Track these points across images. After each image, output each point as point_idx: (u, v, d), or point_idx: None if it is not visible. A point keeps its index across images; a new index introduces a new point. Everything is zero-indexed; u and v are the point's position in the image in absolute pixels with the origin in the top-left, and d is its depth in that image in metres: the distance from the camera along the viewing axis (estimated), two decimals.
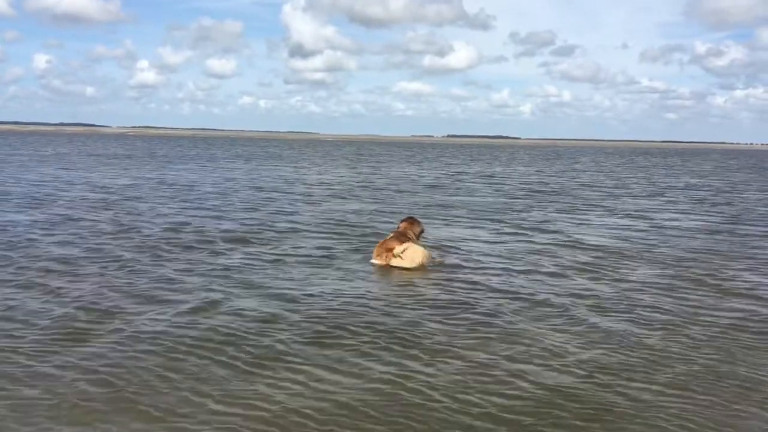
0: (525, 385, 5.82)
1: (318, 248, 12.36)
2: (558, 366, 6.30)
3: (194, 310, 7.87)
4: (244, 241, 12.85)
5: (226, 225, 15.00)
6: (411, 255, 10.75)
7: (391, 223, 15.22)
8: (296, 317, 7.70)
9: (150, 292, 8.71)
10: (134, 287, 8.98)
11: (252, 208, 18.54)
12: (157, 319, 7.49)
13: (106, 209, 17.29)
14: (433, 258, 11.30)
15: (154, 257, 11.08)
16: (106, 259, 10.76)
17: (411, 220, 12.02)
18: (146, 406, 5.23)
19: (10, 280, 9.16)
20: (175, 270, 10.12)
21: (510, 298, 8.87)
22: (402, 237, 11.27)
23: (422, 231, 12.00)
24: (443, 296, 8.95)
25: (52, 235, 13.00)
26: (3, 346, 6.50)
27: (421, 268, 10.67)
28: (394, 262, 10.78)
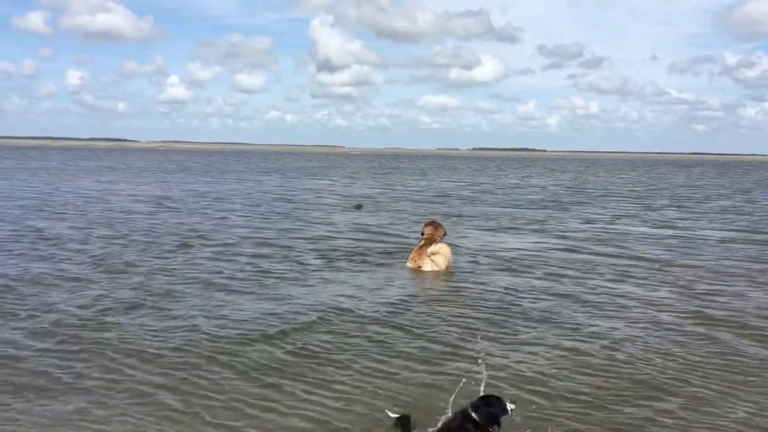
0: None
1: (354, 254, 13.07)
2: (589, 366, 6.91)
3: (266, 315, 8.58)
4: (285, 248, 13.62)
5: (265, 233, 15.78)
6: (439, 260, 11.52)
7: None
8: (348, 318, 8.39)
9: (205, 295, 9.51)
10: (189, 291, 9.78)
11: (290, 218, 19.34)
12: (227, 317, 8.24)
13: (163, 213, 18.18)
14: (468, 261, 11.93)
15: (186, 264, 11.88)
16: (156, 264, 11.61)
17: (435, 224, 12.48)
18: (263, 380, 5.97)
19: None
20: (222, 273, 10.93)
21: (537, 300, 9.48)
22: (431, 243, 11.94)
23: (445, 233, 12.54)
24: (478, 298, 9.58)
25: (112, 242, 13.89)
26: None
27: (447, 270, 11.50)
28: (427, 265, 11.50)
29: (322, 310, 8.60)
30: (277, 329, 7.71)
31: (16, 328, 7.54)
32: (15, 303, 8.66)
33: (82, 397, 5.65)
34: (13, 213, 18.97)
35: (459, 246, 14.17)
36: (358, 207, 22.80)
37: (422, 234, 12.31)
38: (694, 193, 36.45)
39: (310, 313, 8.47)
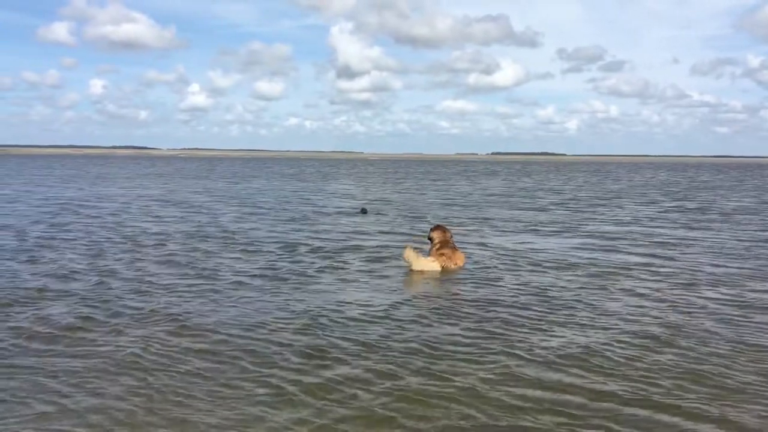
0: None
1: (376, 260, 13.24)
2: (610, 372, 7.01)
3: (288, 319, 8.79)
4: (317, 250, 13.86)
5: (292, 235, 16.06)
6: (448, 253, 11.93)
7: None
8: (399, 316, 8.62)
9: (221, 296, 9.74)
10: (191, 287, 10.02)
11: (311, 221, 19.61)
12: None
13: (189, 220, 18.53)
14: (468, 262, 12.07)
15: (224, 264, 12.14)
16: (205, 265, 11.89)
17: (443, 228, 12.74)
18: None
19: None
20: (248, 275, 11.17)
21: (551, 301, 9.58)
22: (445, 245, 12.22)
23: (452, 236, 12.71)
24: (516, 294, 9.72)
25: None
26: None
27: (456, 265, 11.94)
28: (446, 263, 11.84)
29: (366, 306, 8.83)
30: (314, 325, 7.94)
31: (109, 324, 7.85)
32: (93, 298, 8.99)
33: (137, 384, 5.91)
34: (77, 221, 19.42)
35: (490, 246, 14.28)
36: (363, 212, 22.92)
37: (430, 240, 12.51)
38: (723, 194, 36.18)
39: (349, 310, 8.70)
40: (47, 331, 7.67)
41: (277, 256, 13.07)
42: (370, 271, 11.67)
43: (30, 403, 5.60)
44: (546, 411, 5.51)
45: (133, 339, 7.39)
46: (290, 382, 6.10)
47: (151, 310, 8.59)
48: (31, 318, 8.20)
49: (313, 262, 12.44)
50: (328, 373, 6.33)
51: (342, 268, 11.90)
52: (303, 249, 14.00)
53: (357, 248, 14.24)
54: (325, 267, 11.98)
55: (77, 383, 6.05)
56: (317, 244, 14.79)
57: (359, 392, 5.89)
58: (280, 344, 7.23)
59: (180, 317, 8.29)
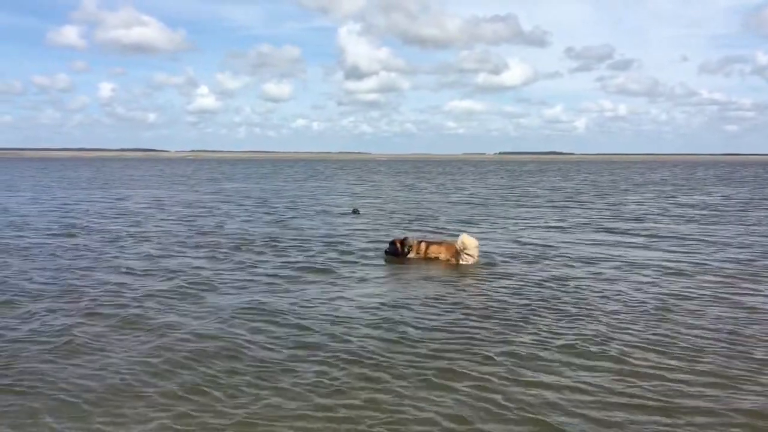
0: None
1: (381, 256, 13.67)
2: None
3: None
4: (333, 244, 14.32)
5: (309, 233, 16.53)
6: (474, 252, 12.50)
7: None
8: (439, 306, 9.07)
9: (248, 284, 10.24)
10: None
11: (324, 221, 20.13)
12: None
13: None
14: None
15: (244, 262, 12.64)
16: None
17: (405, 239, 13.36)
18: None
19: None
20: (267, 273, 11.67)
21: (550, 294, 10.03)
22: (428, 244, 13.14)
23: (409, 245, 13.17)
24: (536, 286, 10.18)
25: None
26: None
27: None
28: (467, 259, 12.49)
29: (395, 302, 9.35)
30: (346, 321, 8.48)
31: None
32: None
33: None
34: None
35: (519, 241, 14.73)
36: (356, 212, 23.08)
37: (408, 249, 13.01)
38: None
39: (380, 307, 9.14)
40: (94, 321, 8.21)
41: (290, 254, 13.59)
42: (382, 266, 12.21)
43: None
44: (577, 389, 6.01)
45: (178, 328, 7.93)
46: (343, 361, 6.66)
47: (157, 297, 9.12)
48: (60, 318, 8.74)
49: (327, 259, 12.96)
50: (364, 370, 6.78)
51: (361, 264, 12.43)
52: (316, 248, 14.49)
53: (368, 246, 14.73)
54: (337, 264, 12.49)
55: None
56: (322, 242, 15.30)
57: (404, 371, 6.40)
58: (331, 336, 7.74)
59: (193, 309, 8.81)
